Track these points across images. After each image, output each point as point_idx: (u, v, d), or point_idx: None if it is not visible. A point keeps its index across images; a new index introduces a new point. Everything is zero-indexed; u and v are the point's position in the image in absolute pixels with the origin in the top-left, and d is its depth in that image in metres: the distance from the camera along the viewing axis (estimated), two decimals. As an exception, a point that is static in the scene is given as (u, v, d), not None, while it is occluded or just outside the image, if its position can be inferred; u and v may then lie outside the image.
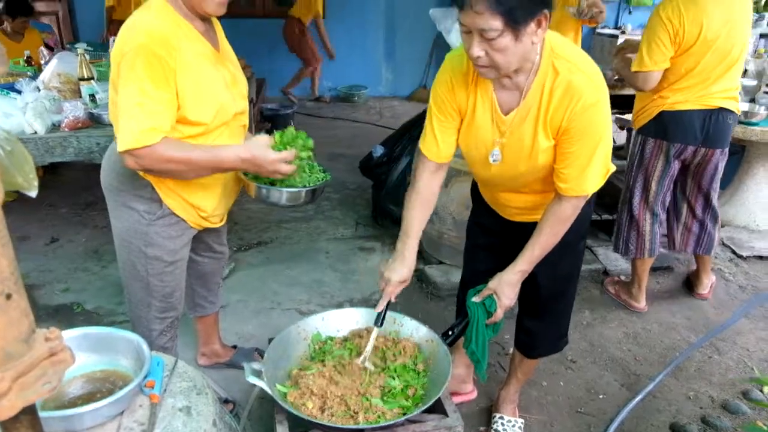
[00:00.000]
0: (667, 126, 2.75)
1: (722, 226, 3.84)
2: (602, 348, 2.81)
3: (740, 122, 3.22)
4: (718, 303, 3.20)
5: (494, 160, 1.63)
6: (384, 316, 1.73)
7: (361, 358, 1.68)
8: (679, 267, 3.57)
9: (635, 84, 2.75)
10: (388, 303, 1.72)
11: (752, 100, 3.50)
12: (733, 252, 3.72)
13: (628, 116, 3.60)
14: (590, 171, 1.54)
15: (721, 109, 2.69)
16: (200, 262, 2.20)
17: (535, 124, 1.53)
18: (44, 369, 0.78)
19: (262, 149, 1.70)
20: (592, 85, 1.47)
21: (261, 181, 1.81)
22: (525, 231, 1.76)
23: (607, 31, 7.62)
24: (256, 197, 1.84)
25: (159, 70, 1.54)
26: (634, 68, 2.69)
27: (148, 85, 1.53)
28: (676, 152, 2.78)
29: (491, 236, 1.98)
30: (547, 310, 1.93)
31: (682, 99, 2.69)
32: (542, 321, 1.97)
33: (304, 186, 1.84)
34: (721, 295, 3.28)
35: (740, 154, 3.95)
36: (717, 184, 2.93)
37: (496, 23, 1.31)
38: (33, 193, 0.84)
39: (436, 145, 1.68)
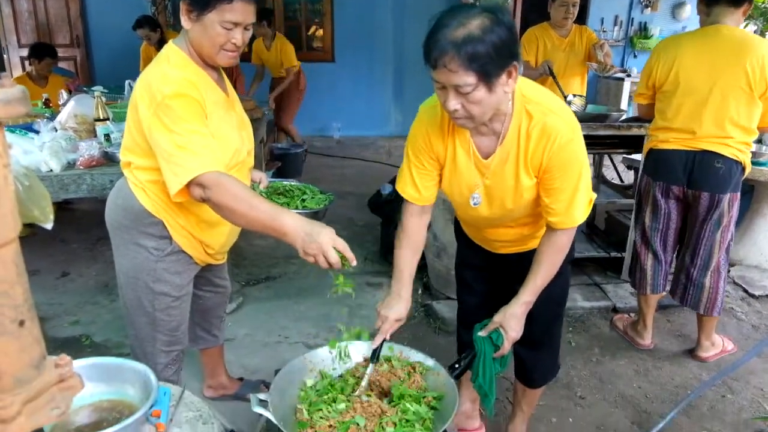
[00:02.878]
0: (654, 164, 2.84)
1: (732, 265, 3.81)
2: (612, 385, 2.77)
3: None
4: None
5: (475, 204, 1.72)
6: (379, 353, 1.75)
7: (357, 391, 1.68)
8: (690, 304, 3.54)
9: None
10: (383, 340, 1.75)
11: (759, 141, 3.52)
12: (745, 291, 3.69)
13: (635, 156, 3.64)
14: (576, 202, 1.61)
15: (706, 152, 2.65)
16: (202, 296, 2.22)
17: (516, 165, 1.61)
18: (53, 395, 0.80)
19: (322, 228, 1.51)
20: (565, 123, 1.55)
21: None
22: (511, 261, 1.87)
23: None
24: None
25: (200, 112, 1.60)
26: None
27: (195, 125, 1.57)
28: (661, 190, 2.81)
29: (479, 271, 2.05)
30: (542, 339, 1.95)
31: (665, 138, 2.77)
32: (539, 350, 1.99)
33: (308, 208, 2.02)
34: (734, 334, 3.24)
35: (750, 193, 3.96)
36: (711, 233, 2.74)
37: (470, 79, 1.38)
38: (48, 226, 0.87)
39: (417, 191, 1.76)
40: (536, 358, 2.02)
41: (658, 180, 2.80)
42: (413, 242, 1.81)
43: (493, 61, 1.38)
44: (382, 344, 1.74)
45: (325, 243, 1.47)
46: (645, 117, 2.97)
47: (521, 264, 1.87)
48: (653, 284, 2.98)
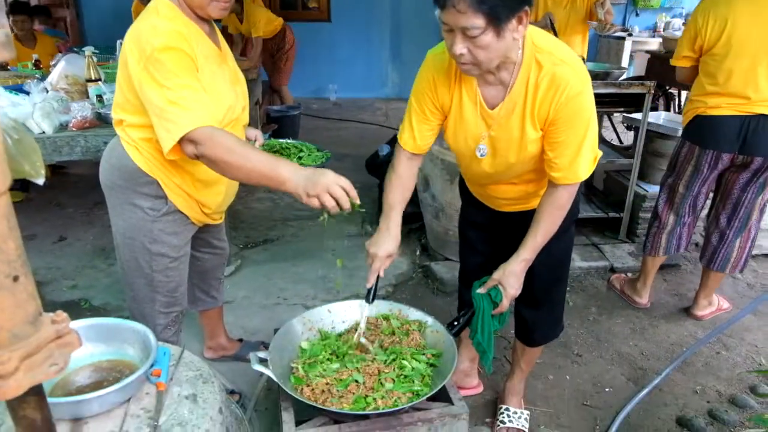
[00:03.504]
0: (701, 131, 2.66)
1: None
2: (609, 343, 2.80)
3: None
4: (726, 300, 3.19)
5: (481, 155, 1.68)
6: (374, 292, 1.75)
7: (356, 335, 1.70)
8: (687, 265, 3.56)
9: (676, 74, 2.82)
10: (378, 278, 1.74)
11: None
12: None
13: (636, 115, 3.59)
14: (581, 157, 1.57)
15: (762, 116, 2.50)
16: (200, 258, 2.21)
17: (522, 116, 1.56)
18: (51, 351, 0.79)
19: (323, 170, 1.50)
20: (576, 75, 1.50)
21: None
22: (514, 220, 1.84)
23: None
24: None
25: (191, 65, 1.55)
26: (671, 60, 2.75)
27: (186, 79, 1.52)
28: (709, 160, 2.66)
29: (482, 230, 2.03)
30: (543, 298, 1.94)
31: (715, 104, 2.58)
32: (539, 309, 1.99)
33: (304, 166, 1.93)
34: (729, 292, 3.26)
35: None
36: (754, 196, 2.69)
37: (478, 21, 1.33)
38: (40, 181, 0.85)
39: (413, 138, 1.73)
40: (537, 317, 2.02)
41: (708, 148, 2.63)
42: (403, 183, 1.79)
43: (504, 3, 1.33)
44: (376, 283, 1.73)
45: (330, 181, 1.44)
46: (685, 81, 2.78)
47: (524, 224, 1.84)
48: (667, 247, 2.95)
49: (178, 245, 1.88)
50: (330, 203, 1.45)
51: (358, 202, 1.50)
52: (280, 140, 2.25)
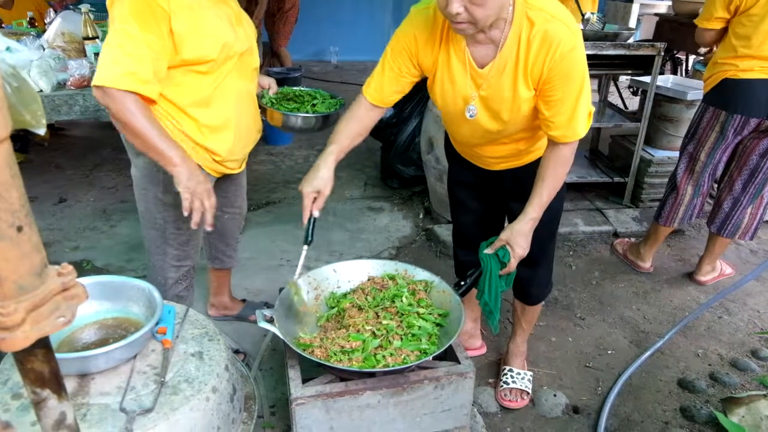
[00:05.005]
0: (729, 95, 2.57)
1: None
2: (611, 306, 2.81)
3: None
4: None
5: (470, 116, 1.64)
6: (311, 233, 1.70)
7: (295, 276, 1.70)
8: (690, 231, 3.55)
9: (695, 38, 2.68)
10: (313, 219, 1.69)
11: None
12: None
13: (644, 78, 3.52)
14: (578, 114, 1.55)
15: None
16: (220, 217, 2.21)
17: (514, 75, 1.53)
18: (57, 303, 0.78)
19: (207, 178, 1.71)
20: (568, 31, 1.46)
21: (282, 108, 2.03)
22: (505, 178, 1.83)
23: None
24: (283, 125, 2.04)
25: (148, 13, 1.52)
26: (696, 21, 2.61)
27: (134, 27, 1.51)
28: (735, 125, 2.58)
29: (472, 189, 2.01)
30: (538, 255, 1.91)
31: (748, 67, 2.49)
32: (535, 267, 1.98)
33: (318, 113, 2.07)
34: (732, 258, 3.26)
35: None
36: None
37: None
38: (42, 131, 0.82)
39: (380, 91, 1.68)
40: (533, 274, 2.02)
41: (736, 113, 2.55)
42: (354, 128, 1.72)
43: None
44: (312, 223, 1.69)
45: (209, 191, 1.67)
46: (709, 45, 2.66)
47: (515, 180, 1.85)
48: (683, 218, 2.91)
49: None
50: (196, 206, 1.64)
51: (209, 229, 1.72)
52: (294, 88, 2.23)
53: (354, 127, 1.72)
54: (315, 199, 1.67)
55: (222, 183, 2.05)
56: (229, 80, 1.75)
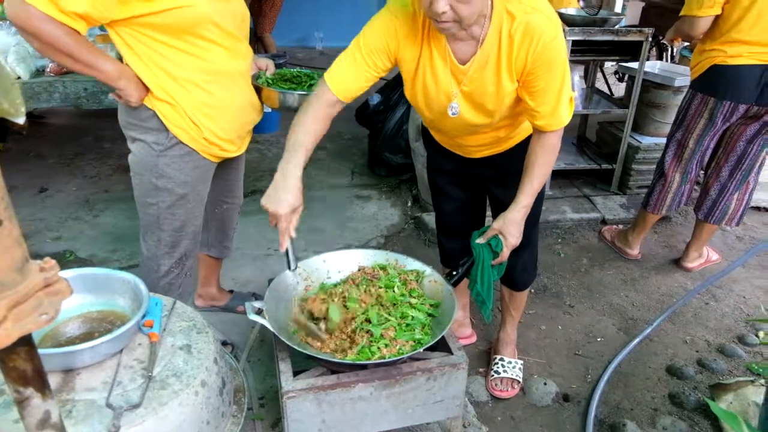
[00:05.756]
0: (718, 81, 2.55)
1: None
2: (600, 294, 2.82)
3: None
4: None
5: (453, 113, 1.63)
6: (294, 256, 1.61)
7: (295, 309, 1.64)
8: (677, 217, 3.56)
9: (682, 29, 2.60)
10: (292, 240, 1.58)
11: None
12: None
13: (632, 65, 3.51)
14: (562, 102, 1.56)
15: None
16: (220, 207, 2.22)
17: (497, 69, 1.52)
18: (40, 299, 0.75)
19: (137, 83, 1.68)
20: (548, 21, 1.46)
21: (279, 87, 1.99)
22: (485, 164, 1.83)
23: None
24: (280, 104, 1.96)
25: None
26: (682, 12, 2.55)
27: None
28: (724, 111, 2.56)
29: (453, 176, 1.99)
30: (524, 240, 1.88)
31: (736, 53, 2.46)
32: (521, 252, 1.95)
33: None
34: (719, 244, 3.28)
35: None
36: (759, 149, 2.65)
37: None
38: (21, 120, 0.78)
39: (346, 82, 1.58)
40: (518, 260, 2.00)
41: (724, 99, 2.53)
42: (318, 125, 1.59)
43: None
44: (292, 246, 1.59)
45: (139, 87, 1.66)
46: (698, 35, 2.58)
47: (495, 166, 1.85)
48: (671, 205, 2.91)
49: (185, 182, 1.83)
50: (130, 96, 1.66)
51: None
52: (291, 69, 2.21)
53: (318, 128, 1.60)
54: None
55: (222, 170, 2.03)
56: (220, 58, 1.72)
